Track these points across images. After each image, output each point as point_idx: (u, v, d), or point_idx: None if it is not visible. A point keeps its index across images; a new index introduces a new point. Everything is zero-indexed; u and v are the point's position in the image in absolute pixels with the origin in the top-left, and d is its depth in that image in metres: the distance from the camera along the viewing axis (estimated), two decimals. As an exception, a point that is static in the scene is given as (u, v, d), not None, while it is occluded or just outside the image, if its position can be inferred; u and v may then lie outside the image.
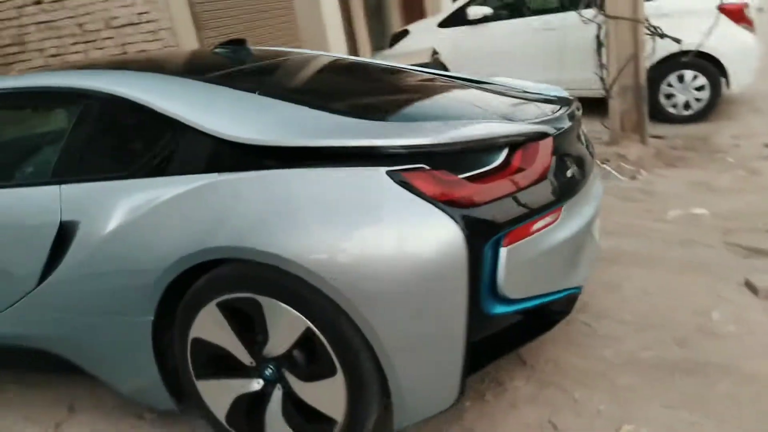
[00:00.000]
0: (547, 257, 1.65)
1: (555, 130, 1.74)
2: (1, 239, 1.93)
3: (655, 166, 3.95)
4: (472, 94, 2.15)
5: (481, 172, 1.56)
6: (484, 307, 1.53)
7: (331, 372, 1.54)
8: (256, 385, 1.69)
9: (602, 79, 4.28)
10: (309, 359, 1.59)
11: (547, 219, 1.64)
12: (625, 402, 1.89)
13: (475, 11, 5.59)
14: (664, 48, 4.74)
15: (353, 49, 9.02)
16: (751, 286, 2.49)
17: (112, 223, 1.73)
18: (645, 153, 4.02)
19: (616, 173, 3.88)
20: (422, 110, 1.91)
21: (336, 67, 2.44)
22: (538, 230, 1.61)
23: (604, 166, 3.97)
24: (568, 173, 1.77)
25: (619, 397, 1.92)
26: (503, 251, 1.53)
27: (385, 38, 7.60)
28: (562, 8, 5.14)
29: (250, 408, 1.71)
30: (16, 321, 1.97)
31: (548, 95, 2.15)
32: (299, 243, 1.49)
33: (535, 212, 1.59)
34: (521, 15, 5.50)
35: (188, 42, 5.38)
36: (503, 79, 2.42)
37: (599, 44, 4.25)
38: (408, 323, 1.48)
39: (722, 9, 4.66)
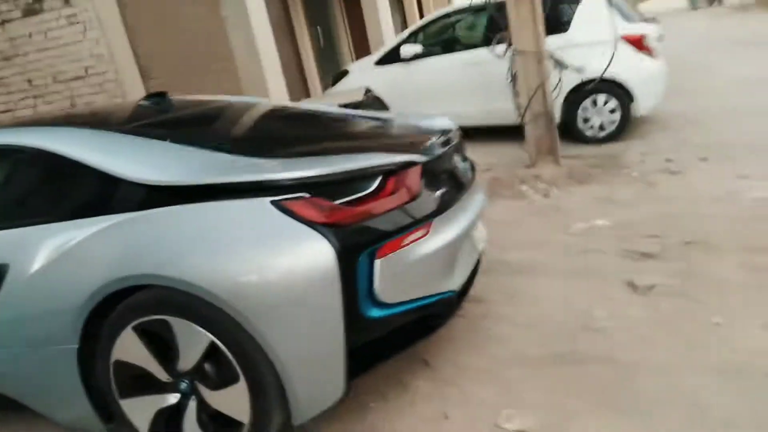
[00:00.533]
0: (420, 265, 1.92)
1: (424, 158, 2.03)
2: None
3: (567, 184, 4.32)
4: (361, 130, 2.45)
5: (356, 197, 1.84)
6: (363, 311, 1.79)
7: (234, 380, 1.77)
8: (173, 398, 1.90)
9: (518, 108, 4.68)
10: (215, 370, 1.81)
11: (418, 233, 1.92)
12: (509, 391, 2.16)
13: (406, 50, 6.01)
14: (578, 76, 5.21)
15: (305, 90, 9.40)
16: (632, 285, 2.82)
17: (38, 262, 1.95)
18: (558, 173, 4.39)
19: (530, 191, 4.23)
20: (312, 146, 2.19)
21: (243, 113, 2.73)
22: (409, 243, 1.89)
23: (521, 187, 4.32)
24: (439, 192, 2.07)
25: (504, 388, 2.18)
26: (377, 262, 1.80)
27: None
28: (485, 44, 5.56)
29: (169, 420, 1.91)
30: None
31: (431, 126, 2.46)
32: (201, 268, 1.73)
33: (404, 228, 1.87)
34: (449, 51, 5.93)
35: (136, 91, 5.63)
36: (399, 113, 2.73)
37: (513, 77, 4.66)
38: (294, 331, 1.73)
39: (625, 38, 5.15)
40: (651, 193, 4.01)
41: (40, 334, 1.97)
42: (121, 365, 1.91)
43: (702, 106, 6.44)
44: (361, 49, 10.20)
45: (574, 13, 5.34)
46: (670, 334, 2.38)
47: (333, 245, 1.71)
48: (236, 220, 1.78)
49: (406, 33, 6.21)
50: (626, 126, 5.40)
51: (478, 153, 5.45)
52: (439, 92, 5.83)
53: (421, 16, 14.12)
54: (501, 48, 4.67)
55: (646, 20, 5.74)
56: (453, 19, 6.24)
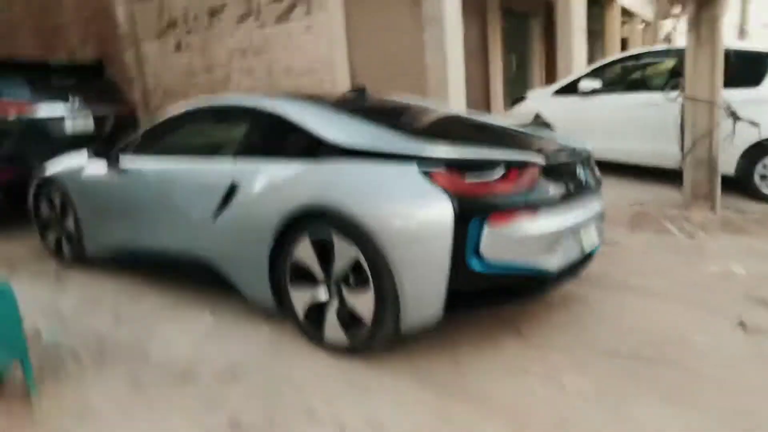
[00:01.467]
0: (521, 240, 2.44)
1: (543, 162, 2.54)
2: (196, 189, 3.16)
3: (717, 231, 4.33)
4: (507, 135, 3.03)
5: (482, 178, 2.43)
6: (468, 260, 2.37)
7: (367, 288, 2.47)
8: (324, 295, 2.66)
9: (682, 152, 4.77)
10: (355, 279, 2.53)
11: (525, 215, 2.44)
12: (581, 369, 2.54)
13: (586, 84, 6.33)
14: (759, 132, 5.08)
15: (487, 108, 10.07)
16: (742, 324, 2.94)
17: (258, 185, 2.86)
18: (711, 219, 4.41)
19: (675, 230, 4.34)
20: (460, 138, 2.82)
21: (417, 110, 3.46)
22: (515, 221, 2.42)
23: (667, 224, 4.43)
24: (552, 190, 2.56)
25: (580, 365, 2.56)
26: (486, 228, 2.37)
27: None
28: (662, 88, 5.66)
29: (318, 310, 2.68)
30: (194, 242, 3.18)
31: (566, 143, 2.94)
32: (363, 206, 2.46)
33: (513, 208, 2.41)
34: (626, 91, 6.11)
35: (346, 88, 6.79)
36: (545, 131, 3.24)
37: (682, 122, 4.77)
38: (415, 262, 2.37)
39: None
40: (806, 255, 3.89)
41: (252, 234, 2.87)
42: (295, 264, 2.72)
43: None
44: (553, 78, 10.55)
45: (766, 68, 5.20)
46: (760, 370, 2.54)
47: (453, 208, 2.33)
48: (393, 177, 2.48)
49: (588, 68, 6.52)
50: (809, 190, 5.09)
51: (635, 189, 5.62)
52: (609, 128, 6.04)
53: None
54: (674, 93, 4.81)
55: None
56: (640, 61, 6.39)
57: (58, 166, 4.23)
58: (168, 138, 3.67)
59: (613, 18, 14.23)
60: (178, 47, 8.14)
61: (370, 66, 6.85)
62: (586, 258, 2.90)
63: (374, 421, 2.20)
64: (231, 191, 3.00)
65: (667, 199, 5.00)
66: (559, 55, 9.37)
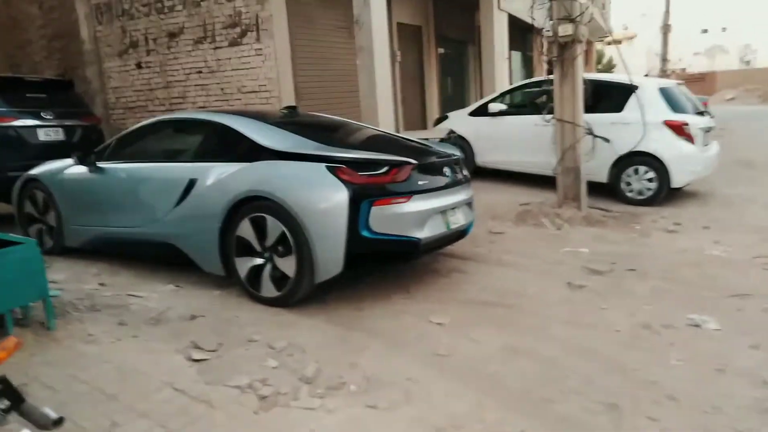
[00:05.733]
0: (398, 216, 3.47)
1: (416, 162, 3.60)
2: (163, 184, 4.07)
3: (579, 224, 5.52)
4: (399, 145, 4.10)
5: (371, 173, 3.46)
6: (360, 230, 3.38)
7: (290, 253, 3.45)
8: (260, 261, 3.62)
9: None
10: (282, 247, 3.50)
11: (401, 199, 3.49)
12: (448, 311, 3.57)
13: (494, 107, 7.55)
14: (625, 148, 6.36)
15: (423, 125, 11.22)
16: (570, 284, 4.05)
17: (210, 180, 3.81)
18: (576, 215, 5.60)
19: (548, 223, 5.50)
20: (361, 145, 3.87)
21: (335, 125, 4.52)
22: (394, 203, 3.46)
23: (542, 219, 5.60)
24: (423, 182, 3.62)
25: (448, 309, 3.60)
26: (373, 208, 3.40)
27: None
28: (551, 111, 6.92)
29: (256, 273, 3.63)
30: (161, 227, 4.08)
31: (439, 150, 4.03)
32: (287, 191, 3.45)
33: (392, 194, 3.45)
34: (522, 113, 7.37)
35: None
36: (427, 140, 4.34)
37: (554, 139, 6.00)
38: (323, 230, 3.37)
39: (668, 123, 6.23)
40: (639, 240, 5.10)
41: (206, 218, 3.79)
42: (239, 239, 3.67)
43: (752, 195, 7.06)
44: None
45: (628, 98, 6.51)
46: (564, 308, 3.65)
47: (348, 194, 3.35)
48: (308, 172, 3.48)
49: (496, 93, 7.76)
50: (661, 195, 6.37)
51: (528, 193, 6.81)
52: (512, 144, 7.27)
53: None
54: (549, 116, 6.03)
55: (700, 113, 6.72)
56: (533, 89, 7.67)
57: (41, 168, 5.01)
58: (138, 144, 4.56)
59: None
60: (138, 65, 8.94)
61: (313, 87, 7.87)
62: (455, 234, 3.97)
63: (294, 342, 3.15)
64: (190, 185, 3.93)
65: (549, 200, 6.18)
66: (484, 78, 10.64)
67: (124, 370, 2.74)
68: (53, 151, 6.05)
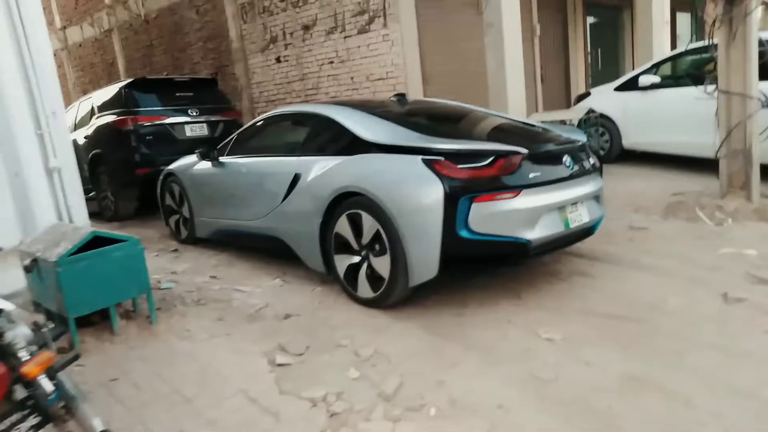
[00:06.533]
0: (504, 214, 3.05)
1: (527, 151, 3.13)
2: (272, 179, 4.09)
3: (748, 220, 4.51)
4: (508, 129, 3.64)
5: (473, 165, 3.08)
6: (458, 230, 3.04)
7: (385, 253, 3.22)
8: (357, 259, 3.45)
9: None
10: (377, 246, 3.29)
11: (507, 195, 3.06)
12: (561, 324, 3.09)
13: (645, 79, 6.52)
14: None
15: (567, 103, 10.30)
16: (725, 296, 3.30)
17: (312, 174, 3.72)
18: (744, 208, 4.59)
19: (705, 218, 4.59)
20: (464, 133, 3.47)
21: (444, 112, 4.14)
22: (499, 199, 3.04)
23: (699, 212, 4.69)
24: (533, 174, 3.14)
25: (560, 321, 3.12)
26: (474, 204, 3.02)
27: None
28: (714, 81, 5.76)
29: (353, 271, 3.48)
30: (271, 221, 4.11)
31: (559, 135, 3.49)
32: (382, 187, 3.22)
33: (497, 189, 3.04)
34: (680, 86, 6.22)
35: (416, 93, 7.53)
36: (538, 119, 3.80)
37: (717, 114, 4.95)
38: (417, 230, 3.08)
39: None
40: (829, 242, 4.02)
41: (308, 212, 3.73)
42: (337, 235, 3.54)
43: None
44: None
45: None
46: (713, 328, 2.95)
47: (444, 189, 3.01)
48: (402, 165, 3.21)
49: (648, 64, 6.70)
50: None
51: (683, 181, 5.80)
52: (667, 122, 6.22)
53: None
54: (712, 87, 4.98)
55: None
56: (688, 57, 6.46)
57: (177, 163, 5.41)
58: (252, 140, 4.66)
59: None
60: (278, 60, 9.34)
61: (441, 70, 7.52)
62: (577, 233, 3.43)
63: (381, 351, 2.94)
64: (295, 180, 3.89)
65: (709, 189, 5.17)
66: (638, 47, 9.39)
67: (207, 372, 2.75)
68: (199, 145, 6.53)
